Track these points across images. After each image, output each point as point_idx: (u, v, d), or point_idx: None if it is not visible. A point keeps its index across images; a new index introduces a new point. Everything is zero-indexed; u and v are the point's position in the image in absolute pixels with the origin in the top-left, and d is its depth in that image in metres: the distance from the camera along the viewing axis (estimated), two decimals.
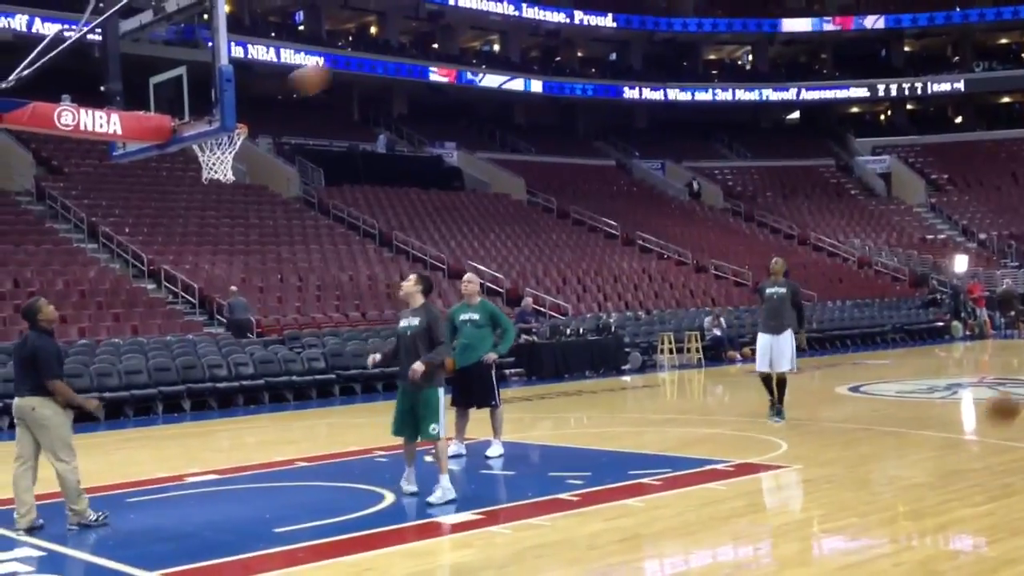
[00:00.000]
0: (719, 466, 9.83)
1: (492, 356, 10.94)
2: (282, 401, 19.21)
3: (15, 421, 8.35)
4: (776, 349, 12.86)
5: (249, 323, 21.63)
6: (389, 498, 8.92)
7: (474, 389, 10.93)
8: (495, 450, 11.06)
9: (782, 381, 12.99)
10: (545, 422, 15.04)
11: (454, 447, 10.93)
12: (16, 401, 8.26)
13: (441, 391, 8.77)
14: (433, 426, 8.64)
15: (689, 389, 20.64)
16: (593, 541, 7.06)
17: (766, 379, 13.14)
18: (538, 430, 13.96)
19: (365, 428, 15.46)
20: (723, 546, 6.97)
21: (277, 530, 7.76)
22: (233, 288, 22.22)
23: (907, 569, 6.09)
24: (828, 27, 50.86)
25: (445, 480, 8.61)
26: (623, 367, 23.79)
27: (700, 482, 9.07)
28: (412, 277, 9.21)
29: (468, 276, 11.54)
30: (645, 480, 9.22)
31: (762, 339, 13.12)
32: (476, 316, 10.88)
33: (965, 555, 6.64)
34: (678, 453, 10.93)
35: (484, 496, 9.22)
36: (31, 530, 8.03)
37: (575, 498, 8.55)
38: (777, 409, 12.99)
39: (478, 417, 11.32)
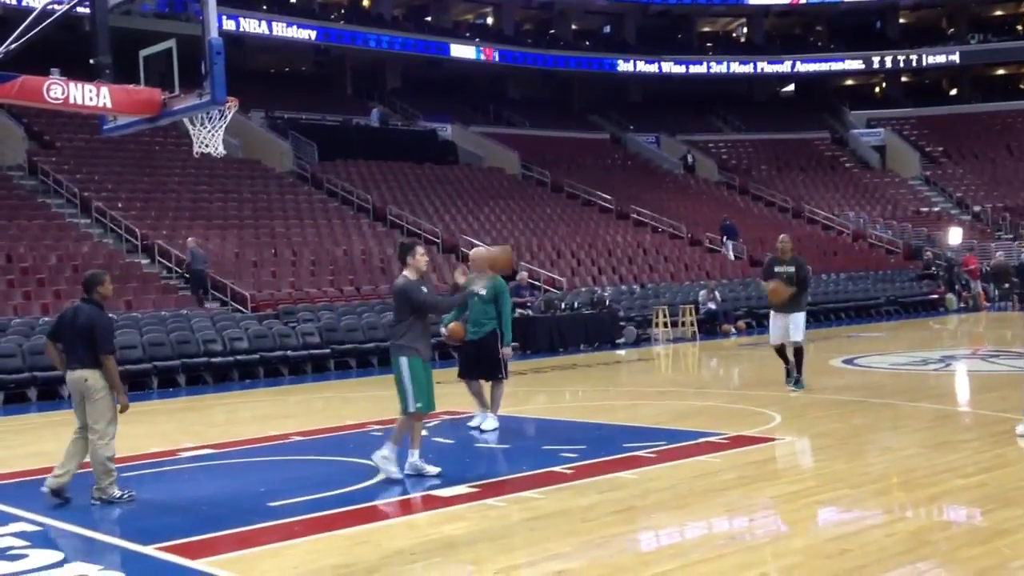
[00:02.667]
0: (713, 438, 9.86)
1: (508, 352, 10.97)
2: (277, 376, 19.23)
3: (71, 392, 8.38)
4: (792, 323, 13.04)
5: (206, 274, 22.02)
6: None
7: (482, 361, 10.96)
8: (490, 423, 11.07)
9: (799, 351, 13.22)
10: (539, 396, 15.06)
11: (478, 419, 11.20)
12: (69, 374, 8.27)
13: (404, 360, 8.80)
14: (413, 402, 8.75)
15: (683, 362, 20.67)
16: (587, 514, 7.08)
17: (780, 350, 13.27)
18: (532, 404, 13.98)
19: (360, 402, 15.49)
20: (717, 517, 6.99)
21: (272, 504, 7.77)
22: (191, 239, 22.64)
23: (900, 539, 6.11)
24: None
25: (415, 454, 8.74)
26: (618, 341, 23.83)
27: (694, 454, 9.09)
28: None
29: (476, 250, 11.46)
30: (639, 453, 9.24)
31: (773, 318, 13.34)
32: (483, 291, 10.87)
33: (958, 525, 6.67)
34: (672, 426, 10.95)
35: (478, 469, 9.23)
36: (56, 493, 8.08)
37: (569, 471, 8.56)
38: (796, 378, 13.22)
39: (464, 390, 11.35)
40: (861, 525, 6.55)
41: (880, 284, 33.07)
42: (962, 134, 48.62)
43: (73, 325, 8.29)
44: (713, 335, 25.42)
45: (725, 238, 34.22)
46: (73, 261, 21.97)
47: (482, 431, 10.96)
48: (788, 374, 13.38)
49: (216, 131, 9.22)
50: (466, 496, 7.85)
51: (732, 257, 33.67)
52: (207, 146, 9.30)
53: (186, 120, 9.33)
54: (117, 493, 8.15)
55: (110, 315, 8.88)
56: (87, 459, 8.22)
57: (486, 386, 11.23)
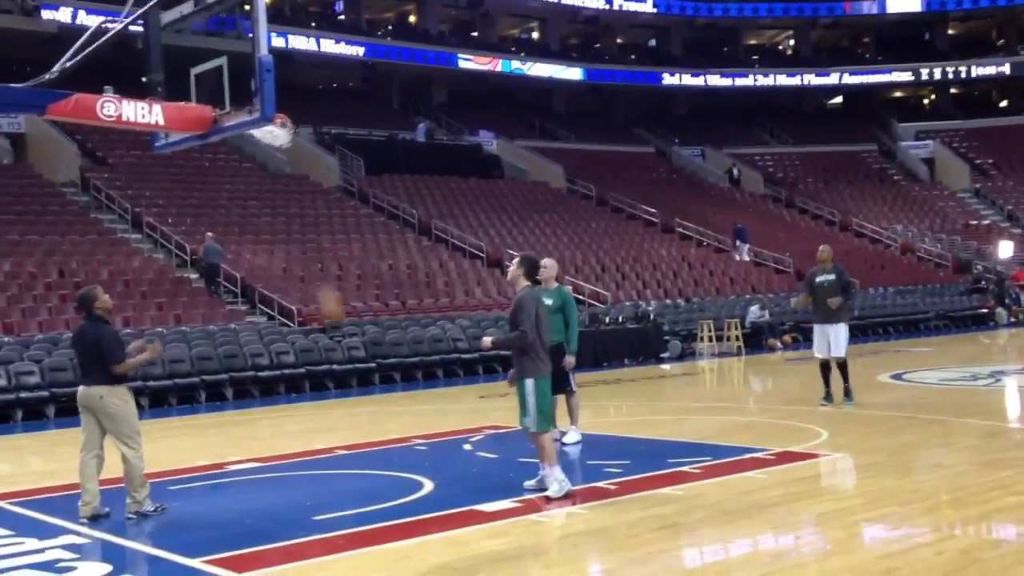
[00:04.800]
0: (759, 454, 9.78)
1: (571, 361, 10.88)
2: (323, 389, 19.35)
3: (80, 409, 8.39)
4: (833, 335, 12.99)
5: (219, 268, 22.58)
6: (428, 486, 8.96)
7: (553, 374, 10.94)
8: (572, 436, 11.09)
9: (843, 364, 13.15)
10: (584, 410, 14.92)
11: (573, 434, 11.17)
12: (82, 390, 8.33)
13: (529, 383, 8.24)
14: (523, 419, 8.33)
15: (729, 377, 20.54)
16: (631, 530, 7.05)
17: (824, 365, 13.19)
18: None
19: (404, 416, 15.55)
20: (763, 535, 6.93)
21: (317, 517, 7.82)
22: (209, 234, 23.22)
23: (949, 558, 6.03)
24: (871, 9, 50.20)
25: (555, 472, 8.26)
26: (662, 355, 23.73)
27: (740, 470, 9.02)
28: (515, 260, 8.79)
29: (546, 261, 11.41)
30: (684, 468, 9.19)
31: (816, 330, 13.31)
32: (549, 301, 10.86)
33: (1007, 544, 6.56)
34: (717, 441, 10.88)
35: (523, 484, 9.22)
36: (95, 518, 8.10)
37: (613, 486, 8.53)
38: (845, 389, 13.11)
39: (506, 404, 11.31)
40: (909, 543, 6.47)
41: (929, 298, 32.68)
42: (1012, 146, 47.93)
43: (82, 344, 8.42)
44: (759, 349, 25.22)
45: (738, 242, 34.25)
46: (124, 276, 22.29)
47: (564, 444, 10.96)
48: (826, 396, 13.25)
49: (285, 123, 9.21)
50: (510, 511, 7.85)
51: (745, 259, 33.79)
52: (274, 135, 9.26)
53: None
54: (151, 507, 8.24)
55: (116, 328, 9.02)
56: (99, 474, 8.26)
57: (561, 400, 11.25)
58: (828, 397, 13.25)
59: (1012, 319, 31.83)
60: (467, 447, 11.26)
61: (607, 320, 23.93)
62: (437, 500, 8.40)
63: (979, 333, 29.18)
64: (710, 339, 24.58)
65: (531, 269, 8.55)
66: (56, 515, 8.32)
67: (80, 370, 8.50)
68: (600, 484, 8.65)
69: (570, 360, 10.89)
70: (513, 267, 8.63)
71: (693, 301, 28.61)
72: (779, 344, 25.71)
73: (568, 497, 8.12)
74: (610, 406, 15.60)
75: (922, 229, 41.06)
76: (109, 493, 8.42)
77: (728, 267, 32.66)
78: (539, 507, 7.90)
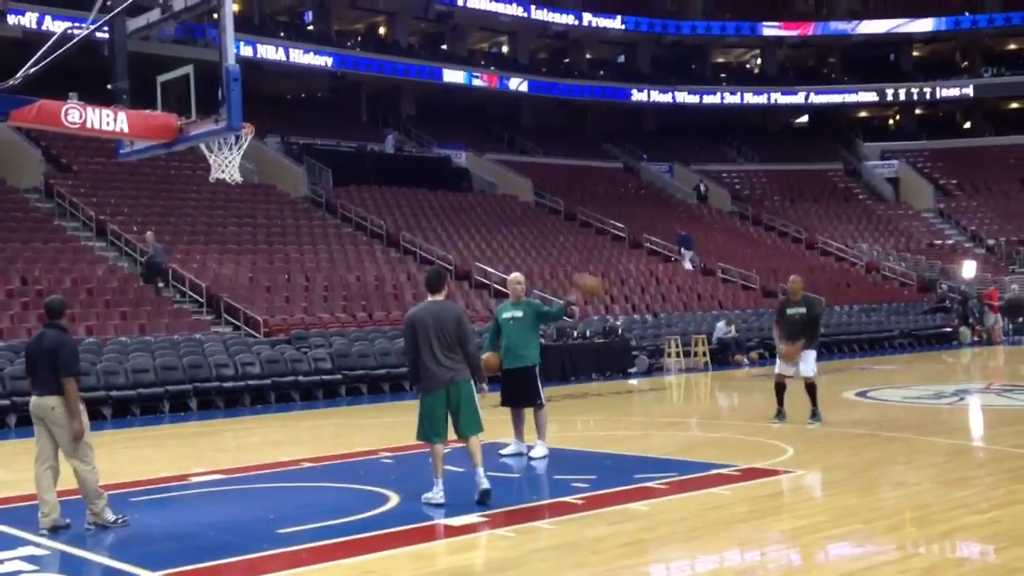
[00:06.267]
0: (725, 470, 9.79)
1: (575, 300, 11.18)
2: (288, 401, 19.22)
3: (33, 420, 8.21)
4: (802, 358, 13.00)
5: (164, 268, 22.90)
6: (394, 499, 8.90)
7: (518, 389, 10.97)
8: (539, 451, 11.06)
9: (811, 385, 13.09)
10: (551, 425, 14.90)
11: (512, 447, 11.21)
12: (34, 400, 8.14)
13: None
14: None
15: (696, 393, 20.60)
16: (597, 545, 7.03)
17: (780, 386, 13.17)
18: None
19: (371, 429, 15.47)
20: (728, 551, 6.93)
21: (281, 531, 7.74)
22: (149, 234, 23.63)
23: None
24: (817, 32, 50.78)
25: (437, 484, 8.61)
26: (630, 370, 23.76)
27: (706, 486, 9.03)
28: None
29: (515, 276, 11.41)
30: (650, 484, 9.18)
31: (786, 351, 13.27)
32: (519, 313, 10.91)
33: (971, 563, 6.60)
34: (684, 457, 10.89)
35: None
36: (55, 529, 7.97)
37: (579, 501, 8.51)
38: (812, 411, 13.06)
39: (503, 419, 11.29)
40: (873, 561, 6.49)
41: (893, 316, 32.96)
42: (976, 167, 48.56)
43: (38, 351, 8.17)
44: (726, 365, 25.32)
45: (682, 249, 34.54)
46: (88, 284, 22.06)
47: (531, 458, 10.95)
48: (778, 414, 13.21)
49: (233, 157, 9.25)
50: (475, 526, 7.81)
51: (689, 267, 34.12)
52: (224, 172, 9.33)
53: (203, 146, 9.37)
54: (111, 517, 8.09)
55: (75, 338, 8.77)
56: (56, 484, 8.12)
57: (528, 413, 11.24)
58: (780, 415, 13.20)
59: (975, 338, 32.14)
60: (500, 454, 11.20)
61: (575, 334, 23.95)
62: (403, 514, 8.35)
63: (943, 352, 29.46)
64: (677, 354, 24.65)
65: (431, 283, 9.09)
66: (15, 526, 8.19)
67: (32, 379, 8.25)
68: (567, 499, 8.62)
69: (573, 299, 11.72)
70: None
71: (660, 316, 28.70)
72: (746, 360, 25.81)
73: (430, 506, 8.38)
74: (577, 420, 15.58)
75: (887, 248, 41.45)
76: (70, 504, 8.29)
77: (695, 283, 32.79)
78: (506, 522, 7.86)
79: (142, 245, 23.98)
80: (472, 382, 8.72)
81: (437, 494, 8.51)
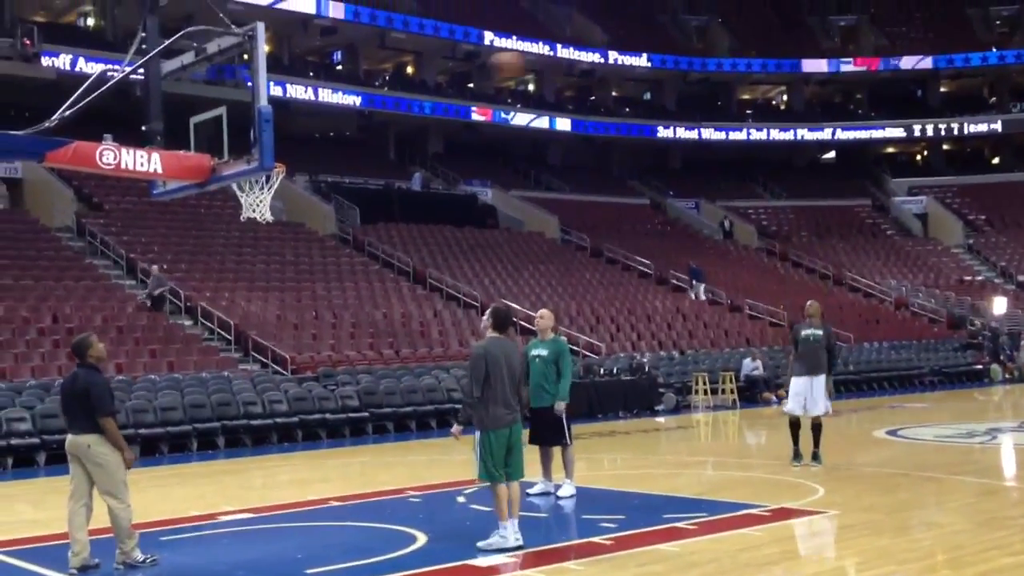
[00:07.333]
0: (755, 511, 9.71)
1: (560, 406, 10.83)
2: (316, 439, 19.21)
3: (68, 458, 8.29)
4: (812, 392, 12.72)
5: (165, 298, 23.52)
6: (421, 539, 8.88)
7: (545, 428, 10.94)
8: (567, 490, 11.02)
9: (817, 425, 12.84)
10: (578, 463, 14.88)
11: (540, 486, 11.11)
12: (70, 438, 8.23)
13: (478, 434, 8.41)
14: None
15: (724, 431, 20.46)
16: None
17: (795, 423, 12.98)
18: None
19: (398, 467, 15.45)
20: None
21: (309, 571, 7.74)
22: (154, 266, 24.33)
23: None
24: (847, 68, 50.79)
25: (503, 527, 8.33)
26: (657, 407, 23.63)
27: (736, 527, 8.96)
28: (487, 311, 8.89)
29: (541, 312, 11.40)
30: (680, 524, 9.12)
31: (797, 383, 12.94)
32: (544, 352, 10.87)
33: None
34: (713, 497, 10.82)
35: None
36: (84, 568, 8.00)
37: (609, 542, 8.46)
38: (814, 453, 12.81)
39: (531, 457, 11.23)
40: None
41: (923, 353, 32.66)
42: (1005, 203, 48.24)
43: (71, 391, 8.32)
44: (754, 403, 25.16)
45: (694, 281, 34.49)
46: (118, 322, 22.22)
47: (559, 497, 10.90)
48: (795, 455, 12.95)
49: (264, 196, 9.34)
50: (505, 567, 7.78)
51: (701, 298, 34.09)
52: (255, 211, 9.41)
53: (234, 185, 9.47)
54: (140, 557, 8.13)
55: (107, 376, 8.89)
56: (89, 523, 8.17)
57: (556, 452, 11.20)
58: (797, 456, 12.92)
59: (1007, 375, 31.82)
60: (461, 499, 11.17)
61: (601, 371, 23.87)
62: (430, 554, 8.32)
63: (974, 389, 29.17)
64: (705, 392, 24.51)
65: (501, 321, 8.65)
66: (45, 565, 8.23)
67: (68, 418, 8.38)
68: (595, 539, 8.58)
69: (560, 405, 10.81)
70: (484, 319, 8.74)
71: (687, 353, 28.58)
72: (774, 397, 25.61)
73: (507, 553, 8.04)
74: (605, 459, 15.51)
75: (916, 284, 41.17)
76: (100, 543, 8.32)
77: (722, 320, 32.66)
78: (535, 563, 7.82)
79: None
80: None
81: (510, 535, 8.25)
